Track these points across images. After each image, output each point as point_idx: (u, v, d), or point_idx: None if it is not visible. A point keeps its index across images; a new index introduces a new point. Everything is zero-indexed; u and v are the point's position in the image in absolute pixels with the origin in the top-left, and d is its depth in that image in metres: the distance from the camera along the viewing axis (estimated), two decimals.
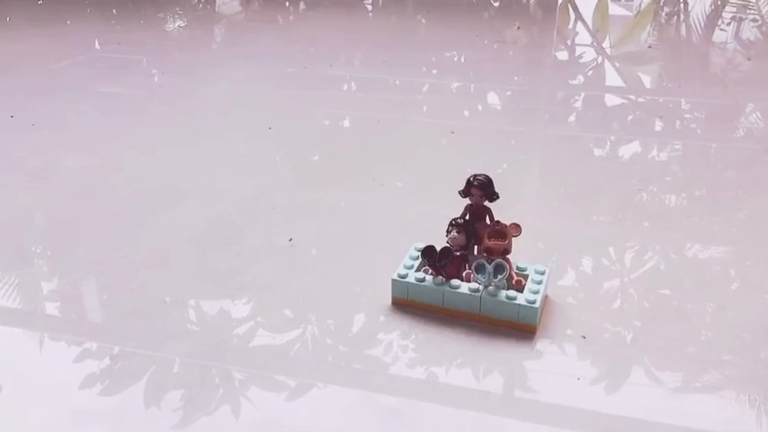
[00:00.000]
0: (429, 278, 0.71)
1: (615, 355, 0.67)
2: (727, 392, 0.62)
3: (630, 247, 0.85)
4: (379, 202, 0.96)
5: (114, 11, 2.14)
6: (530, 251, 0.84)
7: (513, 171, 1.07)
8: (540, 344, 0.68)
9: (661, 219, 0.92)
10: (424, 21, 2.01)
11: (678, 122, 1.24)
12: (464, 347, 0.67)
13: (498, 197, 0.72)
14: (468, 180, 0.72)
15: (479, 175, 0.72)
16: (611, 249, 0.85)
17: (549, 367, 0.65)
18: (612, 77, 1.60)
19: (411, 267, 0.73)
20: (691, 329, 0.70)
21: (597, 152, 1.15)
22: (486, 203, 0.73)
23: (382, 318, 0.71)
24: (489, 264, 0.68)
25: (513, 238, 0.70)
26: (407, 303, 0.72)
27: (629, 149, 1.14)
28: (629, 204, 0.95)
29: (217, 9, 2.24)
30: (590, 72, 1.60)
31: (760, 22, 2.02)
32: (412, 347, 0.67)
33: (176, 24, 2.02)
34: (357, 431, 0.58)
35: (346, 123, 1.29)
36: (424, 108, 1.34)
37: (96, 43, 1.81)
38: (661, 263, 0.83)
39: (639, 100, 1.39)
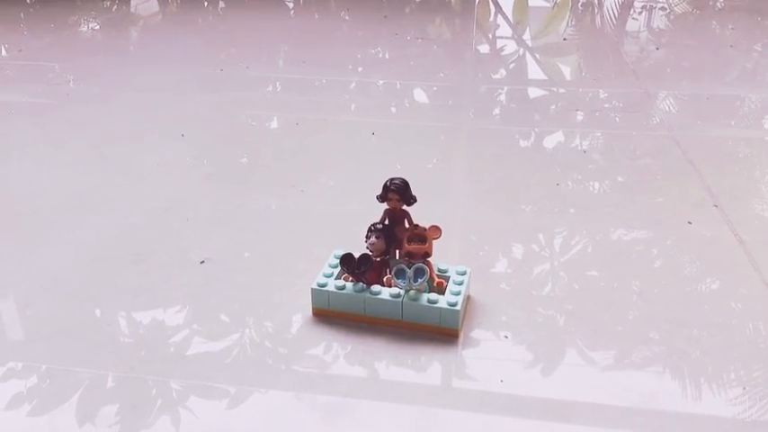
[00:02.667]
0: (349, 285, 0.70)
1: (549, 337, 0.69)
2: (655, 368, 0.65)
3: (559, 233, 0.88)
4: (298, 209, 0.93)
5: (22, 14, 2.05)
6: (462, 242, 0.85)
7: (443, 166, 1.08)
8: (474, 333, 0.69)
9: (586, 205, 0.95)
10: (347, 18, 2.01)
11: (597, 113, 1.29)
12: (388, 352, 0.66)
13: (416, 200, 0.72)
14: (385, 185, 0.72)
15: (395, 179, 0.72)
16: (540, 236, 0.87)
17: (482, 354, 0.67)
18: (534, 70, 1.64)
19: (331, 275, 0.71)
20: (618, 309, 0.73)
21: (522, 144, 1.18)
22: (404, 207, 0.72)
23: (303, 330, 0.70)
24: (409, 268, 0.69)
25: (433, 241, 0.70)
26: (328, 313, 0.71)
27: (552, 140, 1.18)
28: (556, 193, 0.98)
29: (133, 10, 2.17)
30: (512, 65, 1.63)
31: (668, 11, 2.11)
32: (334, 362, 0.65)
33: (89, 27, 1.95)
34: None
35: (265, 127, 1.26)
36: (352, 107, 1.34)
37: (2, 50, 1.72)
38: (588, 246, 0.86)
39: (560, 91, 1.43)
